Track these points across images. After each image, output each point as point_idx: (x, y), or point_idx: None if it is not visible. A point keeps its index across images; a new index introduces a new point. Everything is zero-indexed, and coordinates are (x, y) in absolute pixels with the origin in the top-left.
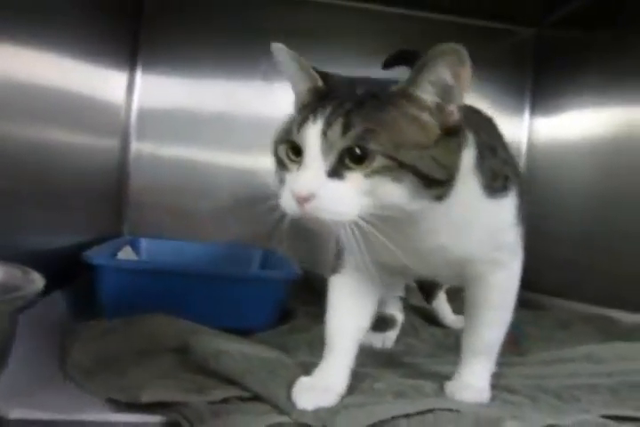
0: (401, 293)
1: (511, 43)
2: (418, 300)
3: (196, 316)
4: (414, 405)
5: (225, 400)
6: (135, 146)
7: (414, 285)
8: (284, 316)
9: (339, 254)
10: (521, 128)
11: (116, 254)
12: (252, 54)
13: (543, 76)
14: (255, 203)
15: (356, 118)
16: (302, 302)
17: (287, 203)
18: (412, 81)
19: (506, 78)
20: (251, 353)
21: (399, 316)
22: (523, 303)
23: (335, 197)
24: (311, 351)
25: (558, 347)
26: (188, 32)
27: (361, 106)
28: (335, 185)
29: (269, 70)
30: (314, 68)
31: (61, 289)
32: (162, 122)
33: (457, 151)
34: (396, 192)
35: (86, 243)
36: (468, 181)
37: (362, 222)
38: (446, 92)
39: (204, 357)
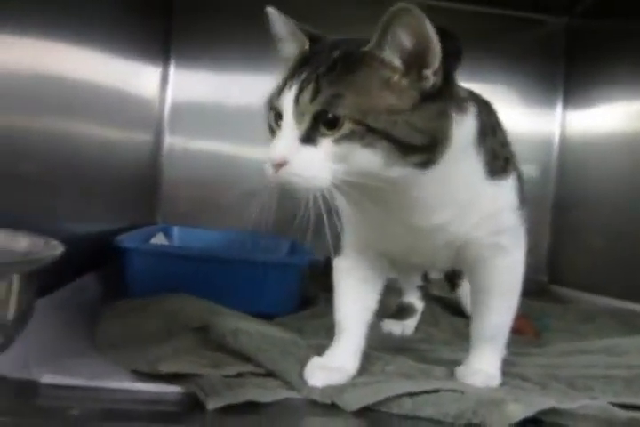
0: (419, 282)
1: (541, 33)
2: (441, 290)
3: (217, 300)
4: (419, 384)
5: (239, 375)
6: (168, 139)
7: (438, 276)
8: (306, 302)
9: (338, 236)
10: (553, 121)
11: (148, 240)
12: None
13: (575, 68)
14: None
15: (324, 83)
16: (324, 288)
17: (267, 169)
18: (377, 44)
19: (537, 70)
20: (267, 333)
21: (419, 304)
22: (550, 296)
23: (307, 162)
24: (328, 335)
25: (580, 339)
26: (217, 28)
27: (332, 70)
28: (308, 151)
29: None
30: (307, 31)
31: (95, 272)
32: (193, 116)
33: (439, 117)
34: (368, 158)
35: (120, 230)
36: (468, 156)
37: (335, 189)
38: (412, 56)
39: (222, 334)
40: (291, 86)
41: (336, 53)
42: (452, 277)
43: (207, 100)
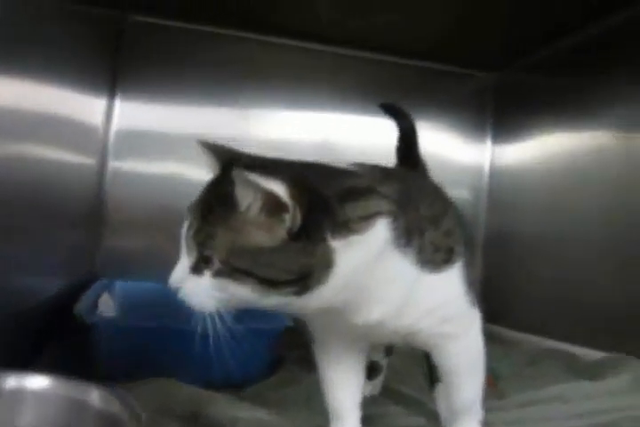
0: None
1: (474, 85)
2: None
3: (185, 372)
4: None
5: None
6: (112, 165)
7: None
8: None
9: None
10: (483, 158)
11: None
12: (224, 83)
13: (503, 115)
14: None
15: (204, 222)
16: (287, 345)
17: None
18: (240, 194)
19: (468, 120)
20: (266, 419)
21: (383, 361)
22: (492, 338)
23: (194, 291)
24: (309, 405)
25: (529, 384)
26: (162, 64)
27: (216, 207)
28: (194, 280)
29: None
30: (221, 155)
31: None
32: (138, 144)
33: (304, 255)
34: (243, 291)
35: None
36: (390, 259)
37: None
38: (268, 204)
39: (221, 423)
40: (187, 217)
41: (226, 189)
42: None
43: (151, 129)
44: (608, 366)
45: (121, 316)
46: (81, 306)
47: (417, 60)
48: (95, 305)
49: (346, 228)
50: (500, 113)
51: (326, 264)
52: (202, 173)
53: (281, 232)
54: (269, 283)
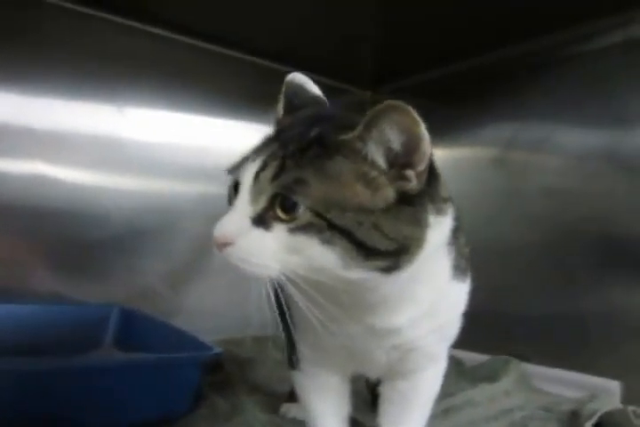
0: None
1: (352, 100)
2: None
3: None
4: None
5: None
6: None
7: None
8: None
9: (292, 348)
10: None
11: None
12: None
13: None
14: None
15: (290, 164)
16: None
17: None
18: (360, 136)
19: None
20: None
21: None
22: None
23: (254, 247)
24: None
25: None
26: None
27: (302, 151)
28: (258, 234)
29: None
30: (290, 99)
31: None
32: None
33: (413, 223)
34: (324, 255)
35: None
36: (440, 256)
37: (287, 281)
38: (398, 155)
39: None
40: (255, 159)
41: (313, 132)
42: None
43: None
44: (497, 368)
45: None
46: None
47: (299, 70)
48: None
49: (440, 205)
50: None
51: (422, 240)
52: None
53: (389, 193)
54: (364, 250)
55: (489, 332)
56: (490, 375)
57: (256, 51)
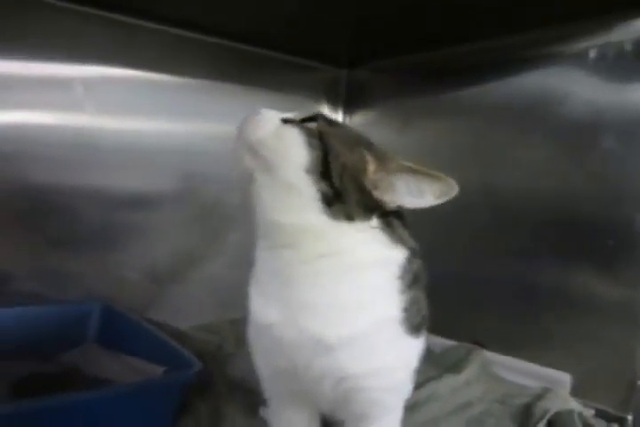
0: None
1: (323, 79)
2: None
3: None
4: None
5: None
6: None
7: None
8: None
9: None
10: None
11: None
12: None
13: (353, 116)
14: None
15: None
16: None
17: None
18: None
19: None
20: None
21: None
22: None
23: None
24: None
25: None
26: None
27: None
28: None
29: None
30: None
31: None
32: None
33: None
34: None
35: None
36: (384, 295)
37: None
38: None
39: None
40: None
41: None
42: None
43: None
44: (461, 357)
45: None
46: None
47: (267, 50)
48: None
49: (393, 229)
50: (351, 111)
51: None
52: None
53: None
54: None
55: (452, 316)
56: (454, 364)
57: (231, 35)
